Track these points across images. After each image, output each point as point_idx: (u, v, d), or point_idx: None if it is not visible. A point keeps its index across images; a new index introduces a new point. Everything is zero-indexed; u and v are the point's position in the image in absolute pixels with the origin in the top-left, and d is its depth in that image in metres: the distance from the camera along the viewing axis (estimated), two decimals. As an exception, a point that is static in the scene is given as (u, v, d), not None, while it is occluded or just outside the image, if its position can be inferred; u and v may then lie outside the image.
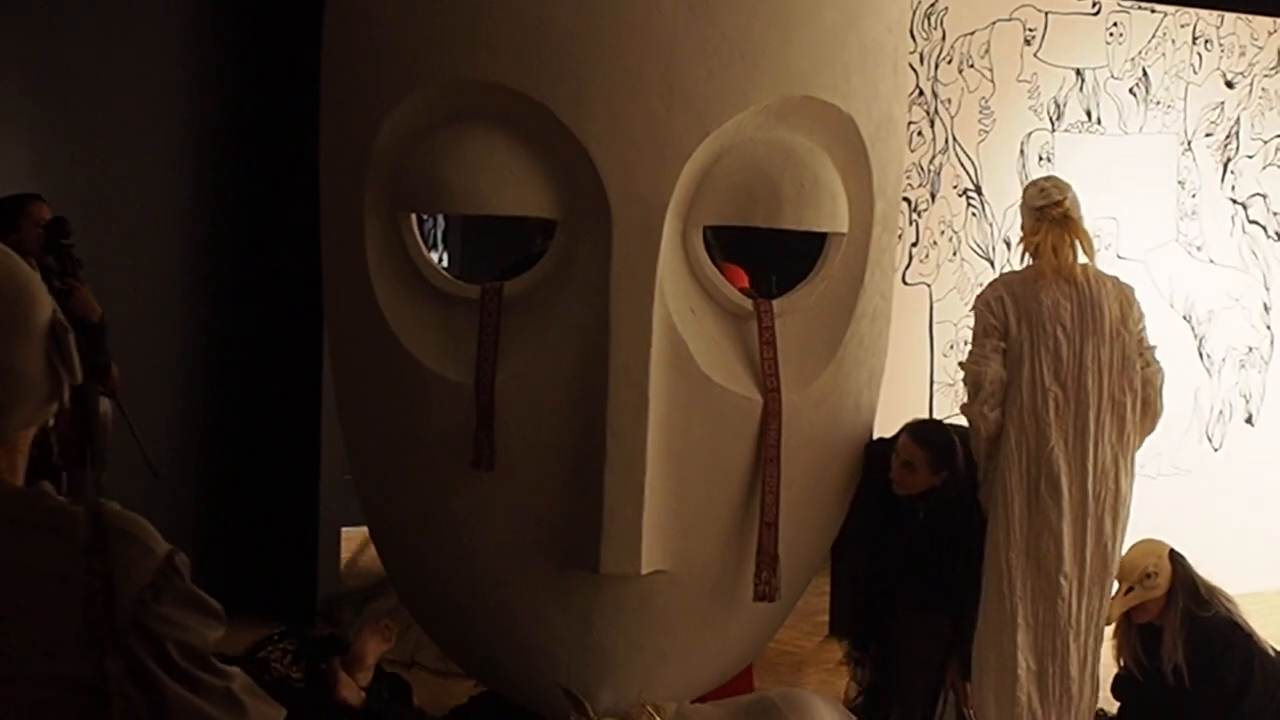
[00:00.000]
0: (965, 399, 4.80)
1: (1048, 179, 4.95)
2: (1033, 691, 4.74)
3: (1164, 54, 7.63)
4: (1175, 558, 5.07)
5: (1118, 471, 4.74)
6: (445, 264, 10.25)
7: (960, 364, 4.90)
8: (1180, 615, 5.01)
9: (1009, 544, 4.69)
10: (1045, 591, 4.68)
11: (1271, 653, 5.09)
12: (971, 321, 4.84)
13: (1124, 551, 4.89)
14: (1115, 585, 4.91)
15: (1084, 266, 4.75)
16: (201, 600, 1.65)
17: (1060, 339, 4.67)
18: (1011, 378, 4.69)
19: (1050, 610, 4.69)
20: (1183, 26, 7.71)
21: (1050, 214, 4.74)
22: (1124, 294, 4.79)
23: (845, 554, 4.91)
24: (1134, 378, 4.73)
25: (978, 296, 4.87)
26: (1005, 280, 4.87)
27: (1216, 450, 7.92)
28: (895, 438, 4.89)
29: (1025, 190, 4.93)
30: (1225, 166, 7.87)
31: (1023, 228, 4.88)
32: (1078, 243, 4.76)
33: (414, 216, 4.39)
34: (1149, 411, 4.80)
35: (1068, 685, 4.75)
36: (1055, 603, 4.68)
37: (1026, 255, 4.81)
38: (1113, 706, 5.25)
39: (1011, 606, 4.69)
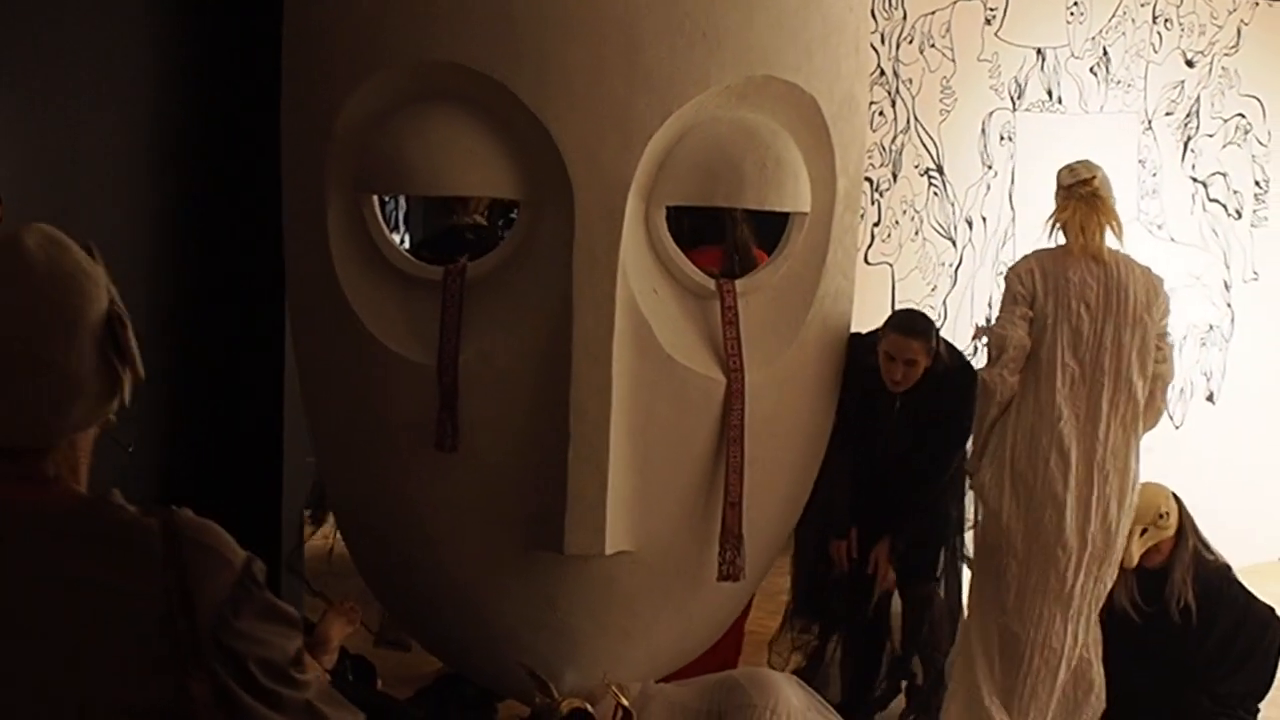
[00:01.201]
0: (986, 361, 4.87)
1: (1079, 161, 5.02)
2: (1009, 656, 4.79)
3: (1124, 33, 7.65)
4: (1177, 499, 5.15)
5: (1128, 453, 4.82)
6: (406, 245, 10.20)
7: (986, 329, 4.96)
8: (1191, 554, 5.09)
9: (1013, 509, 4.75)
10: (1039, 560, 4.76)
11: (1257, 598, 5.21)
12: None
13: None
14: (1116, 560, 4.95)
15: (1113, 251, 4.83)
16: (281, 610, 1.56)
17: (1083, 316, 4.76)
18: (1032, 347, 4.78)
19: (1043, 578, 4.77)
20: (1143, 6, 7.73)
21: (1078, 192, 4.84)
22: (1152, 283, 4.89)
23: (830, 462, 4.89)
24: (1150, 365, 4.82)
25: (1010, 268, 4.98)
26: (1037, 255, 4.97)
27: (1178, 428, 7.96)
28: (875, 334, 4.91)
29: (1058, 173, 5.00)
30: (1185, 145, 7.90)
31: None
32: (1109, 225, 4.83)
33: (375, 198, 4.37)
34: (1152, 407, 4.88)
35: (1047, 657, 4.80)
36: (1048, 573, 4.76)
37: (1054, 233, 4.89)
38: None
39: (1004, 567, 4.76)
